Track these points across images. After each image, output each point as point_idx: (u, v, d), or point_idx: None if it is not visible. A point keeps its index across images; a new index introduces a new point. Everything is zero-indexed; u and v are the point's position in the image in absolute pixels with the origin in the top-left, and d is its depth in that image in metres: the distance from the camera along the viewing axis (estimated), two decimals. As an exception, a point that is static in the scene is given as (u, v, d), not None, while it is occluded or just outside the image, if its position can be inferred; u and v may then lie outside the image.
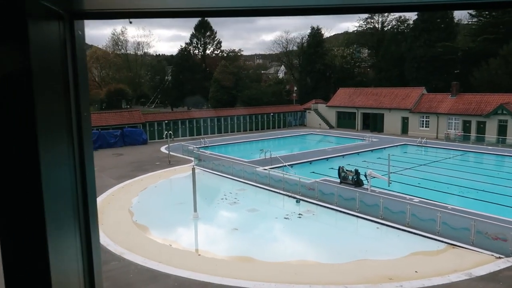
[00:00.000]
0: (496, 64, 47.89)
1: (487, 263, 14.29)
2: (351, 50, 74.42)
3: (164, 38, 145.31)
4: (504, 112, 38.98)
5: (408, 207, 18.07)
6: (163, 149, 38.88)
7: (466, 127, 42.38)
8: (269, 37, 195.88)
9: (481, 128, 41.17)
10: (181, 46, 78.46)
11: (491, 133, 40.25)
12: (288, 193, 22.78)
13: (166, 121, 46.46)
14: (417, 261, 14.86)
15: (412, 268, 14.14)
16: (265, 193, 24.11)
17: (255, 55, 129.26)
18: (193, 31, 77.27)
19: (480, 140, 40.71)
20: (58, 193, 1.30)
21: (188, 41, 79.72)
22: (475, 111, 41.54)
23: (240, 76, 70.54)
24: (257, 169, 27.11)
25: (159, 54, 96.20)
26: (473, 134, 41.49)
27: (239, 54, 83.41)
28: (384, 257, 15.37)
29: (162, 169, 30.31)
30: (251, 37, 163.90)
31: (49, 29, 1.18)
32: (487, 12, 57.00)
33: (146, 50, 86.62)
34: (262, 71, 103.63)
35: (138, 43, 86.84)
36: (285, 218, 19.72)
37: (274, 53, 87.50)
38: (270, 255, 15.69)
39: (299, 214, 20.13)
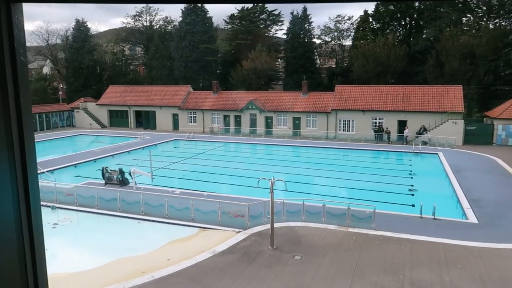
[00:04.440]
0: (247, 66, 55.85)
1: (229, 239, 16.60)
2: (122, 47, 72.87)
3: None
4: (253, 107, 46.00)
5: (166, 199, 19.14)
6: None
7: (226, 121, 47.97)
8: (28, 26, 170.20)
9: (237, 121, 47.39)
10: None
11: (245, 125, 46.86)
12: (42, 203, 20.57)
13: None
14: (171, 249, 15.93)
15: (165, 257, 15.07)
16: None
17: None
18: None
19: (237, 132, 46.85)
20: None
21: None
22: (232, 107, 47.43)
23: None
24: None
25: None
26: (232, 127, 47.34)
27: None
28: (141, 251, 15.84)
29: None
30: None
31: None
32: (238, 20, 65.56)
33: None
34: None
35: None
36: (36, 231, 17.77)
37: (33, 45, 76.89)
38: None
39: (54, 224, 18.53)
